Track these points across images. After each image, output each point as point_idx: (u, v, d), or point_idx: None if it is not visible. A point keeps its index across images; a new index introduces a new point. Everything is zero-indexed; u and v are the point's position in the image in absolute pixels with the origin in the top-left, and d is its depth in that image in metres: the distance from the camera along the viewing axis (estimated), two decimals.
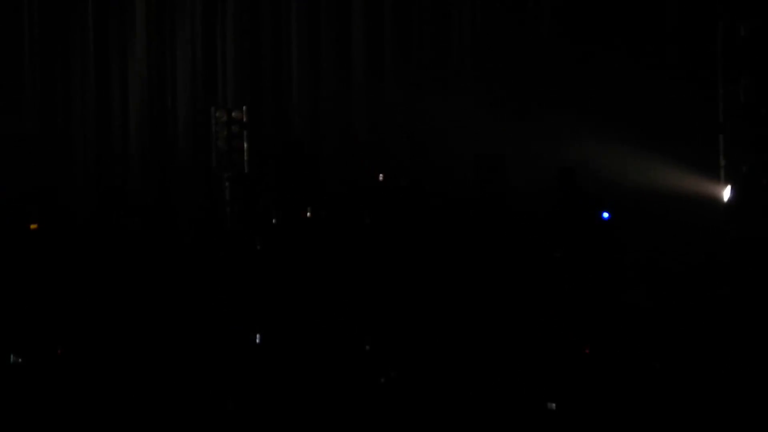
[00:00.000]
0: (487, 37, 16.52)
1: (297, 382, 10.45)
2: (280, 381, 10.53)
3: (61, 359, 11.35)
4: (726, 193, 15.06)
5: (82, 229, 16.49)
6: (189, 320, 12.50)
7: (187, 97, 16.85)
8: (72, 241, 16.19)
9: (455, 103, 16.48)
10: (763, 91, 15.16)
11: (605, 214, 13.49)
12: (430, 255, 14.55)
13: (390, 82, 16.64)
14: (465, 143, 16.23)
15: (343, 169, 16.48)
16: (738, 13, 15.36)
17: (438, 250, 14.95)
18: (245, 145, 15.93)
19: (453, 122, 16.44)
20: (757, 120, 15.08)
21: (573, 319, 12.66)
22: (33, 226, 14.93)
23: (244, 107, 16.08)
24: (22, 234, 14.89)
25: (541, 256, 13.55)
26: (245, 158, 15.91)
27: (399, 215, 14.65)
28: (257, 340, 11.76)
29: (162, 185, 16.75)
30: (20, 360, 11.08)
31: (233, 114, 15.97)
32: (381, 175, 14.82)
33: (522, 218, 14.04)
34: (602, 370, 10.77)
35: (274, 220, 14.40)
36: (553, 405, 9.85)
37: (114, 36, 16.91)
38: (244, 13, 16.81)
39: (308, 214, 14.30)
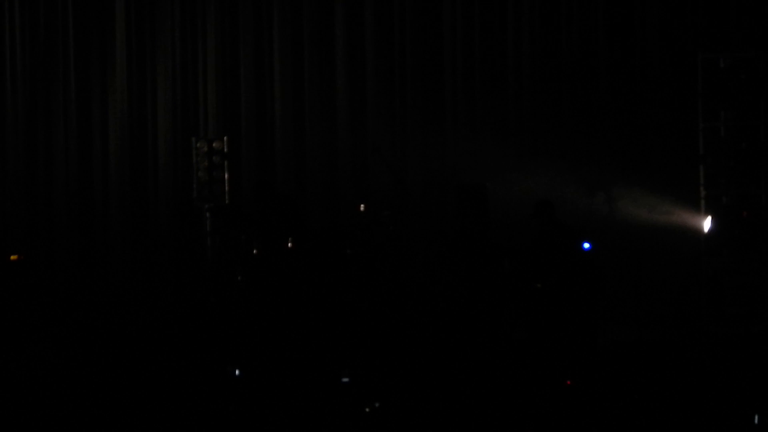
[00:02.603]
0: (468, 70, 16.54)
1: (277, 416, 10.42)
2: (260, 414, 10.50)
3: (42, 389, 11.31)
4: (707, 224, 15.09)
5: (63, 261, 16.47)
6: (169, 351, 12.47)
7: (168, 127, 16.82)
8: (53, 272, 16.18)
9: (437, 135, 16.49)
10: (742, 123, 15.22)
11: (586, 245, 13.47)
12: (411, 285, 14.56)
13: (372, 112, 16.63)
14: (446, 173, 16.25)
15: (324, 200, 16.46)
16: (717, 46, 15.44)
17: (419, 281, 14.96)
18: (226, 175, 15.90)
19: (434, 152, 16.45)
20: (738, 152, 15.14)
21: (554, 350, 12.67)
22: (13, 257, 14.88)
23: (225, 138, 16.06)
24: (2, 265, 14.84)
25: (522, 287, 13.55)
26: (226, 189, 15.88)
27: (380, 246, 14.64)
28: (236, 373, 11.72)
29: (143, 216, 16.70)
30: None
31: (214, 144, 15.95)
32: (362, 205, 14.79)
33: (502, 249, 14.04)
34: (583, 402, 10.77)
35: (255, 251, 14.35)
36: None
37: (95, 65, 16.90)
38: (225, 42, 16.81)
39: (289, 244, 14.26)
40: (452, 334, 13.20)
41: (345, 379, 11.34)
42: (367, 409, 10.41)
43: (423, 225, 16.21)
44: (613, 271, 15.18)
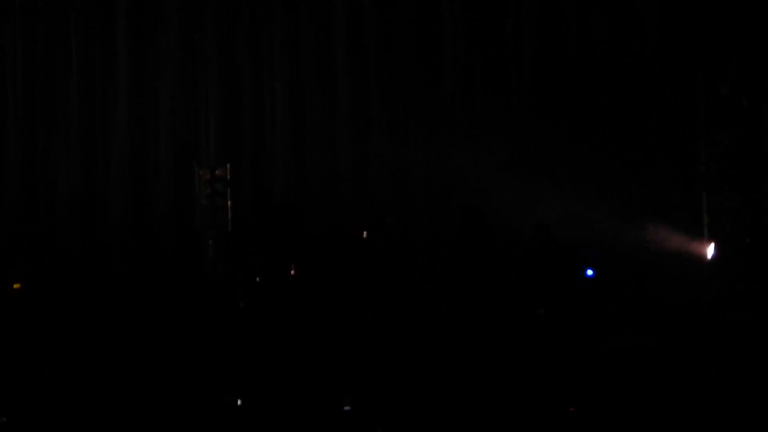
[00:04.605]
0: (473, 88, 16.54)
1: None
2: None
3: (40, 417, 11.30)
4: (710, 250, 15.08)
5: (65, 288, 16.46)
6: (171, 379, 12.45)
7: (171, 155, 16.83)
8: (55, 300, 16.16)
9: (441, 153, 16.46)
10: (744, 149, 15.24)
11: (589, 272, 13.49)
12: (415, 312, 14.53)
13: (374, 127, 16.62)
14: (449, 181, 16.23)
15: (327, 225, 16.43)
16: (718, 70, 15.45)
17: (423, 307, 14.92)
18: (229, 203, 15.91)
19: (437, 160, 16.42)
20: (740, 178, 15.15)
21: (558, 377, 12.63)
22: (16, 286, 14.89)
23: (228, 165, 16.07)
24: (4, 293, 14.86)
25: (525, 313, 13.55)
26: (229, 216, 15.89)
27: (383, 271, 14.65)
28: (238, 403, 11.71)
29: (145, 244, 16.69)
30: (4, 419, 11.05)
31: (216, 172, 15.96)
32: (365, 232, 14.82)
33: (505, 274, 14.04)
34: (587, 429, 10.75)
35: (257, 278, 14.37)
36: None
37: (97, 93, 16.93)
38: (227, 69, 16.83)
39: (292, 272, 14.29)
40: (453, 354, 13.17)
41: (347, 407, 11.33)
42: None
43: (426, 232, 16.15)
44: (616, 297, 15.11)
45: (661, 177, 15.79)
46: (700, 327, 14.79)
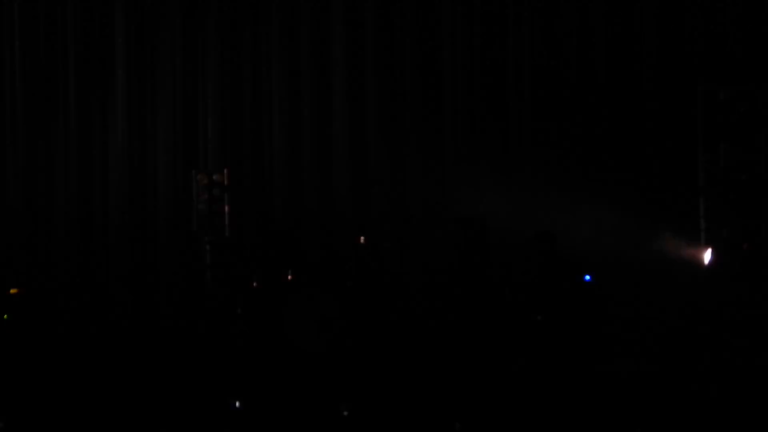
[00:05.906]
0: (469, 98, 16.53)
1: None
2: None
3: (39, 422, 11.34)
4: (707, 256, 15.07)
5: (63, 294, 16.48)
6: (169, 384, 12.49)
7: (168, 160, 16.83)
8: (53, 306, 16.20)
9: (438, 164, 16.45)
10: (742, 155, 15.21)
11: (587, 277, 13.52)
12: (412, 320, 14.56)
13: (372, 142, 16.61)
14: (447, 205, 16.22)
15: (324, 232, 16.42)
16: (717, 78, 15.42)
17: (420, 315, 14.95)
18: (226, 208, 15.90)
19: (436, 183, 16.40)
20: (738, 184, 15.12)
21: (554, 382, 12.67)
22: (13, 291, 14.92)
23: (226, 170, 16.07)
24: (2, 299, 14.89)
25: (523, 319, 13.57)
26: (226, 222, 15.88)
27: (380, 279, 14.67)
28: (236, 405, 11.74)
29: (142, 249, 16.71)
30: (1, 425, 11.08)
31: (214, 177, 15.96)
32: (362, 238, 14.84)
33: (503, 281, 14.05)
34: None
35: (255, 284, 14.39)
36: None
37: (95, 97, 16.95)
38: (225, 74, 16.83)
39: (289, 277, 14.32)
40: (451, 366, 13.20)
41: (345, 413, 11.36)
42: None
43: (423, 257, 16.13)
44: (613, 303, 15.12)
45: (660, 181, 15.77)
46: (699, 332, 14.83)
